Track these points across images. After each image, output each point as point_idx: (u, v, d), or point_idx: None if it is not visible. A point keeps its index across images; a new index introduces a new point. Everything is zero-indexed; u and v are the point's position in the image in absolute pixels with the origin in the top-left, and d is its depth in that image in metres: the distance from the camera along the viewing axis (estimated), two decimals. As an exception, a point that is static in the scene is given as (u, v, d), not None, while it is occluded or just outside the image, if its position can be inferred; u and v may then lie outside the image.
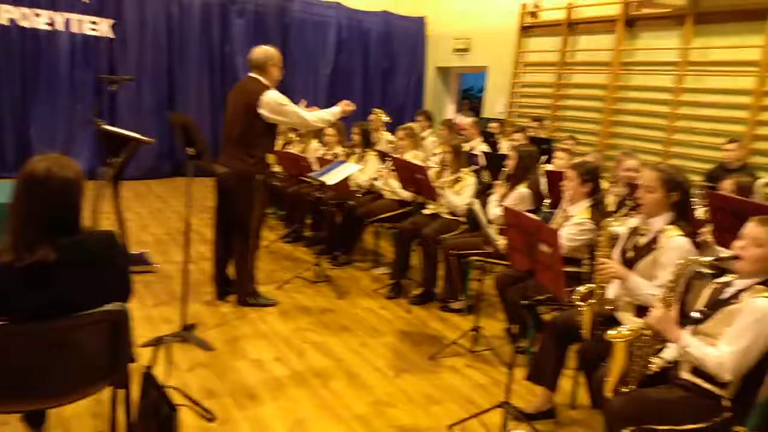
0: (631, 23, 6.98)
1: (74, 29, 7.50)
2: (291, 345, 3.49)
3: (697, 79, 6.31)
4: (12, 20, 7.12)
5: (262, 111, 3.63)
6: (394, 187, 4.81)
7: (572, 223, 3.25)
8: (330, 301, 4.23)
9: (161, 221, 6.02)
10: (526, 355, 3.29)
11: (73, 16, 7.48)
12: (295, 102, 3.96)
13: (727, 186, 3.47)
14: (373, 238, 5.39)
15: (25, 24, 7.21)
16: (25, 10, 7.18)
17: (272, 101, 3.64)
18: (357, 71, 9.80)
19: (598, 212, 3.22)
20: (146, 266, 4.48)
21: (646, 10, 6.81)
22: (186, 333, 3.38)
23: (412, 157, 4.86)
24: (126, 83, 7.19)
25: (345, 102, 4.03)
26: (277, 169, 5.62)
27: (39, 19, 7.28)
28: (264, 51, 3.73)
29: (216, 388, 2.93)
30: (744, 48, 5.83)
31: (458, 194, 4.27)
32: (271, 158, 3.85)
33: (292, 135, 6.15)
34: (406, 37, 10.10)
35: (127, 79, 5.78)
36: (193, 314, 3.60)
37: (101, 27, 7.68)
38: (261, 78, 3.69)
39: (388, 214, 4.80)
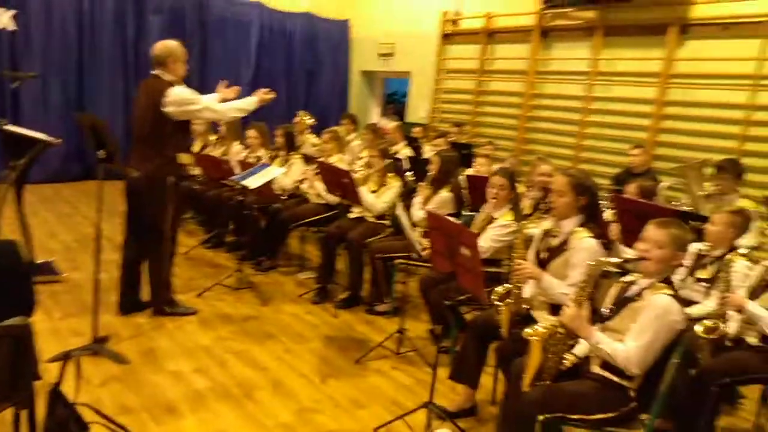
0: (546, 34, 7.32)
1: (-31, 19, 6.92)
2: (212, 355, 3.38)
3: (606, 88, 6.71)
4: None
5: (169, 109, 3.45)
6: (319, 191, 4.78)
7: (497, 225, 3.37)
8: (253, 308, 4.13)
9: (70, 227, 5.66)
10: (449, 355, 3.35)
11: (-31, 5, 6.90)
12: (213, 88, 3.84)
13: (631, 189, 3.70)
14: (298, 243, 5.33)
15: None
16: None
17: (178, 98, 3.46)
18: (280, 73, 9.64)
19: (519, 215, 3.37)
20: (53, 276, 4.20)
21: (559, 22, 7.16)
22: (97, 345, 3.19)
23: (337, 160, 4.85)
24: (30, 80, 6.70)
25: (263, 90, 3.84)
26: (196, 171, 5.44)
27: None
28: (164, 46, 3.54)
29: (131, 403, 2.79)
30: (647, 60, 6.26)
31: (379, 196, 4.30)
32: (186, 159, 3.69)
33: (211, 137, 5.96)
34: (330, 39, 10.06)
35: (31, 76, 5.40)
36: (105, 325, 3.40)
37: (2, 17, 7.08)
38: (164, 75, 3.51)
39: (314, 218, 4.77)
